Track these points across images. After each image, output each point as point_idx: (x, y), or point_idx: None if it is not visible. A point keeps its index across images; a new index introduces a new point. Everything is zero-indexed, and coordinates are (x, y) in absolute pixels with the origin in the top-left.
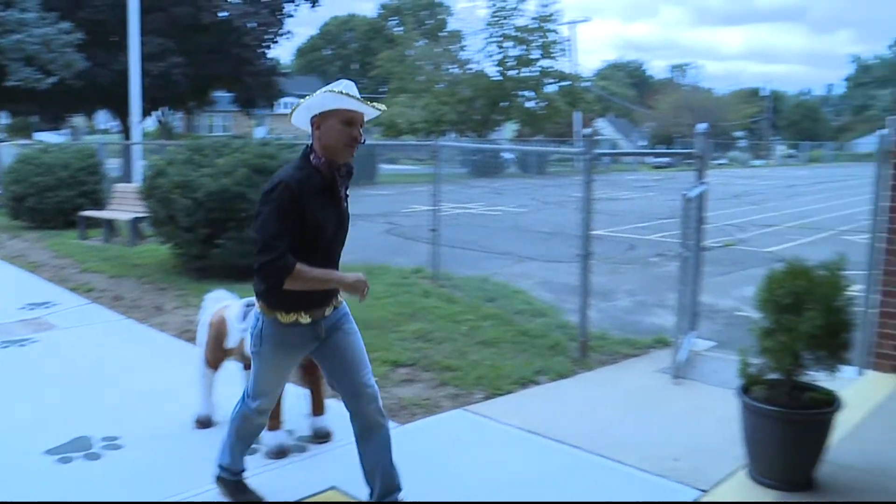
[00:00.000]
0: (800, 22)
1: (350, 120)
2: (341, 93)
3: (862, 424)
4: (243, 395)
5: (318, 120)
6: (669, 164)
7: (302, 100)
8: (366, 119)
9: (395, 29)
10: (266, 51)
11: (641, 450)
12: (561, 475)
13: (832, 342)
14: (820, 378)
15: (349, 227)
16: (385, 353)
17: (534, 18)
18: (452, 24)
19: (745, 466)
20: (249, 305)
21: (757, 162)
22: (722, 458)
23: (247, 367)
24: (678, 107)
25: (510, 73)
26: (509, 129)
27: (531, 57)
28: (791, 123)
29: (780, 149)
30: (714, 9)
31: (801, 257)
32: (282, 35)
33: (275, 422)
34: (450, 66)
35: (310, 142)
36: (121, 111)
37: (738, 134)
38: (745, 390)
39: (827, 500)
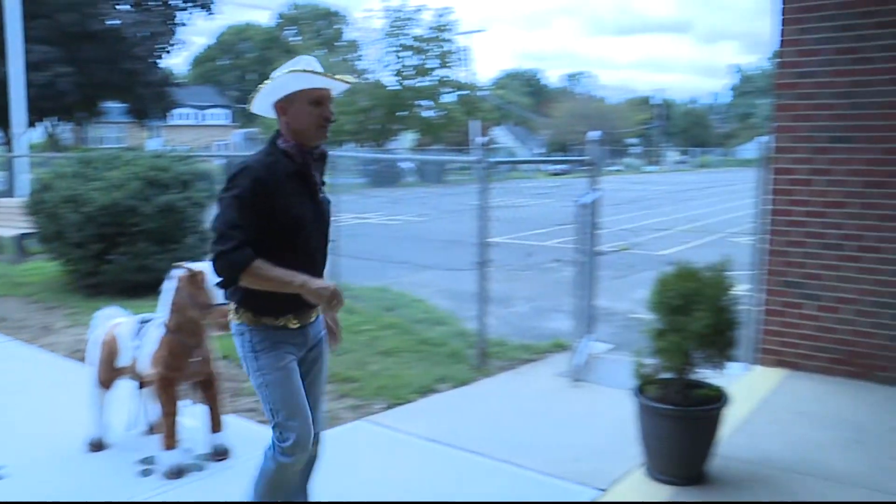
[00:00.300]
0: (687, 34)
1: (318, 99)
2: (304, 70)
3: (750, 417)
4: (268, 448)
5: (283, 104)
6: (566, 171)
7: (261, 85)
8: (334, 94)
9: (293, 38)
10: (158, 60)
11: (542, 453)
12: (463, 482)
13: (720, 340)
14: (710, 375)
15: (330, 221)
16: None
17: (431, 28)
18: (350, 34)
19: (642, 464)
20: (144, 322)
21: (650, 168)
22: (620, 458)
23: (142, 385)
24: (573, 115)
25: (408, 82)
26: (408, 138)
27: (428, 66)
28: (681, 130)
29: (672, 155)
30: (607, 20)
31: (690, 260)
32: (175, 44)
33: (171, 440)
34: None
35: (276, 128)
36: (3, 122)
37: (632, 141)
38: (640, 390)
39: (718, 491)
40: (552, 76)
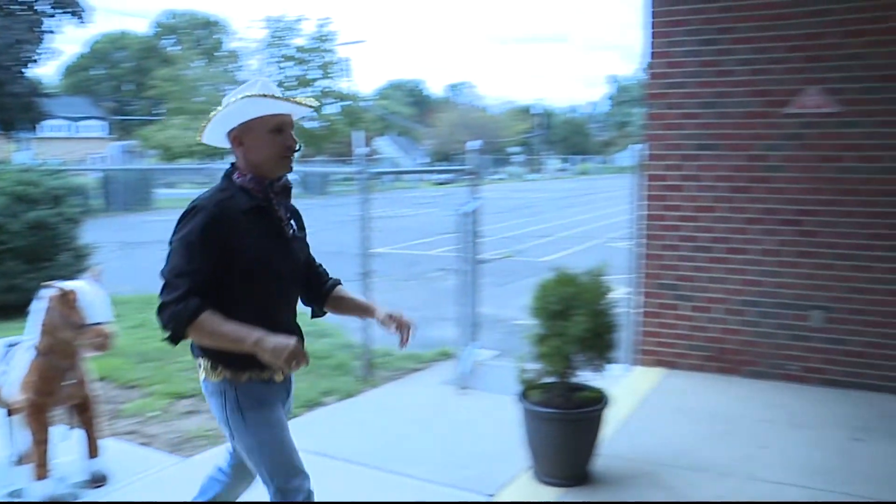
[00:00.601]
0: (566, 44)
1: (279, 126)
2: (262, 95)
3: (631, 416)
4: None
5: (239, 134)
6: (450, 181)
7: (211, 114)
8: (295, 119)
9: (171, 48)
10: (25, 69)
11: (430, 461)
12: (351, 494)
13: (599, 343)
14: (591, 377)
15: (303, 261)
16: (165, 386)
17: (313, 38)
18: (231, 44)
19: (529, 468)
20: (11, 345)
21: (532, 176)
22: (507, 462)
23: (10, 413)
24: (456, 125)
25: (290, 93)
26: None
27: (310, 77)
28: (561, 139)
29: (553, 163)
30: (489, 31)
31: (570, 266)
32: (44, 53)
33: (42, 470)
34: (230, 87)
35: (232, 161)
36: None
37: (514, 150)
38: (524, 395)
39: (601, 490)
40: (434, 87)
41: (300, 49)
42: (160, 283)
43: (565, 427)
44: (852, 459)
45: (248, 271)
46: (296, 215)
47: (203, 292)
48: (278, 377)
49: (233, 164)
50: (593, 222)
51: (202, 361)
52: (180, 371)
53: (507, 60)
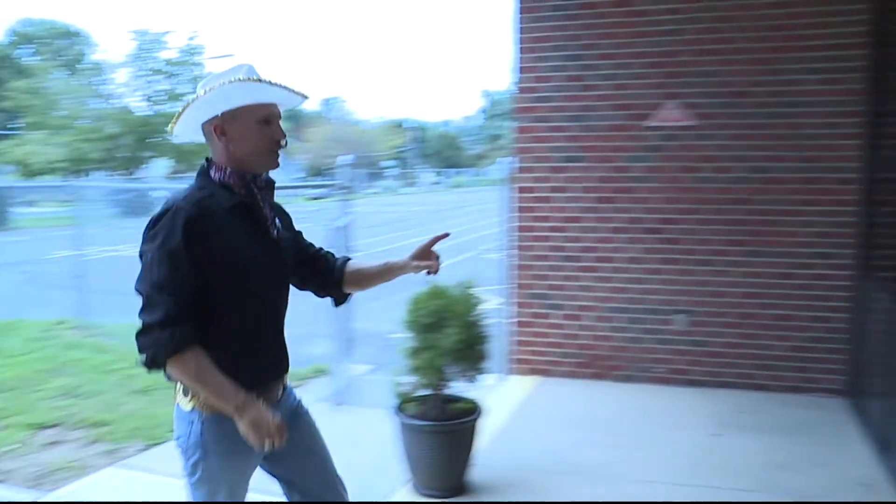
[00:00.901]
0: (441, 57)
1: (268, 116)
2: (250, 79)
3: (506, 425)
4: None
5: (222, 123)
6: (324, 195)
7: (189, 100)
8: (283, 109)
9: (28, 58)
10: None
11: None
12: None
13: (471, 354)
14: (466, 388)
15: (290, 264)
16: (25, 416)
17: (181, 52)
18: (94, 56)
19: (407, 481)
20: None
21: (406, 190)
22: (386, 477)
23: None
24: (330, 139)
25: (159, 107)
26: (161, 165)
27: (179, 92)
28: (435, 152)
29: (427, 176)
30: (364, 46)
31: (442, 278)
32: None
33: None
34: (94, 101)
35: (205, 157)
36: None
37: (388, 164)
38: (400, 409)
39: (479, 499)
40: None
41: (169, 62)
42: (137, 299)
43: (441, 439)
44: (712, 454)
45: (231, 278)
46: (280, 213)
47: (190, 313)
48: (275, 398)
49: (208, 159)
50: (467, 234)
51: (176, 383)
52: (43, 399)
53: (382, 76)
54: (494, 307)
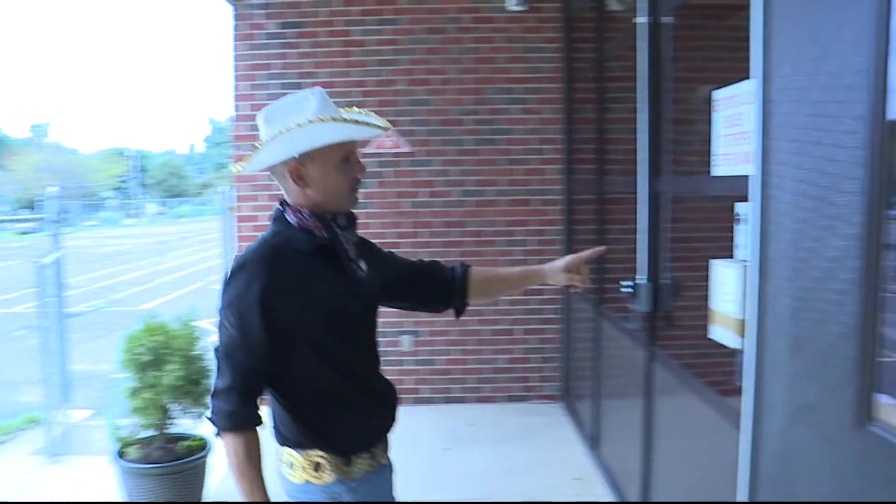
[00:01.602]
0: (161, 86)
1: (350, 154)
2: (334, 119)
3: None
4: None
5: (298, 166)
6: (35, 230)
7: (258, 144)
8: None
9: None
10: None
11: None
12: None
13: (195, 390)
14: (195, 425)
15: (375, 305)
16: None
17: None
18: None
19: None
20: None
21: (129, 221)
22: None
23: None
24: (41, 168)
25: None
26: None
27: None
28: (159, 181)
29: (151, 206)
30: (75, 71)
31: (164, 313)
32: None
33: None
34: None
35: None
36: None
37: (108, 194)
38: (121, 454)
39: None
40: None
41: None
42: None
43: (167, 481)
44: (446, 468)
45: (323, 325)
46: (364, 245)
47: (258, 383)
48: (384, 459)
49: (282, 202)
50: (194, 265)
51: (285, 452)
52: None
53: (102, 103)
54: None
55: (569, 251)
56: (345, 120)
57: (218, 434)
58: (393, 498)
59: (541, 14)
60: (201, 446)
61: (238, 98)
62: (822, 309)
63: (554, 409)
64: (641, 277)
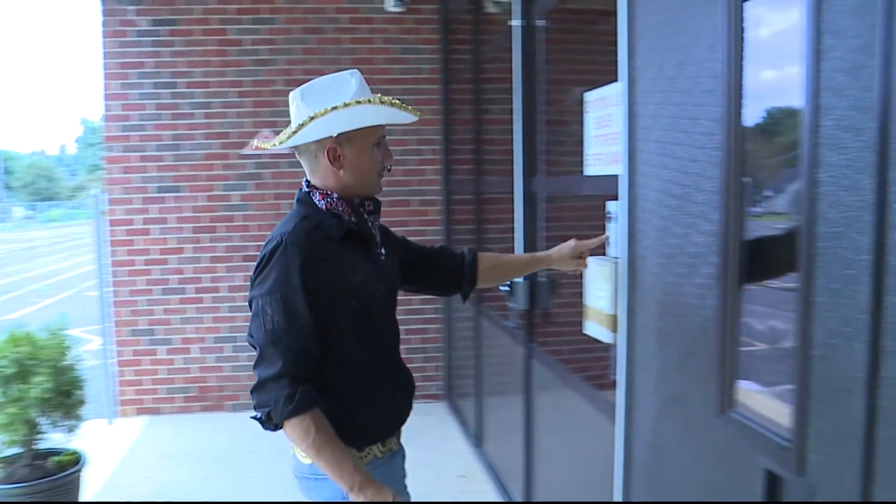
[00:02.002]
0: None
1: (381, 140)
2: (370, 101)
3: (117, 471)
4: None
5: (336, 146)
6: None
7: (303, 122)
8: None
9: None
10: None
11: None
12: None
13: (66, 402)
14: (66, 439)
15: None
16: None
17: None
18: None
19: None
20: None
21: None
22: None
23: None
24: None
25: None
26: None
27: None
28: (26, 184)
29: (18, 210)
30: None
31: (32, 322)
32: None
33: None
34: None
35: (304, 183)
36: None
37: None
38: None
39: None
40: None
41: None
42: (252, 346)
43: (39, 498)
44: None
45: (353, 310)
46: (383, 231)
47: (311, 366)
48: (379, 453)
49: (309, 183)
50: (67, 272)
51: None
52: None
53: None
54: (97, 348)
55: None
56: (383, 103)
57: (276, 427)
58: (403, 482)
59: (419, 16)
60: (74, 461)
61: (108, 97)
62: (686, 303)
63: (437, 408)
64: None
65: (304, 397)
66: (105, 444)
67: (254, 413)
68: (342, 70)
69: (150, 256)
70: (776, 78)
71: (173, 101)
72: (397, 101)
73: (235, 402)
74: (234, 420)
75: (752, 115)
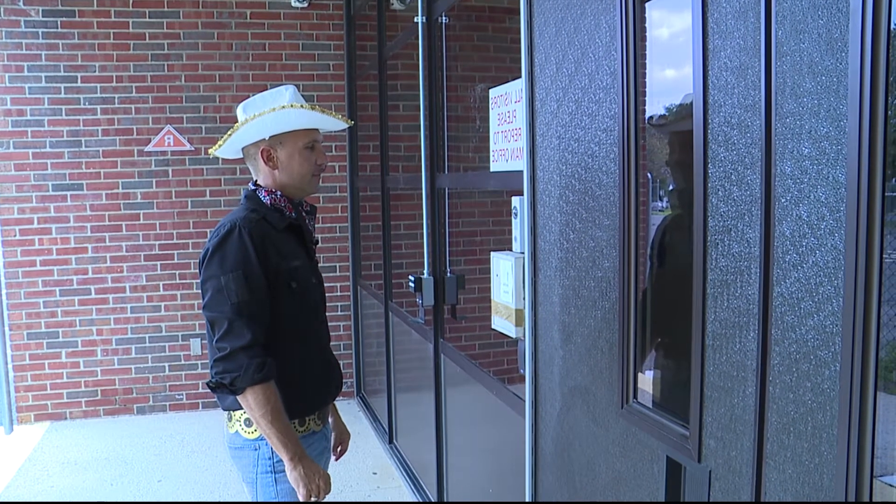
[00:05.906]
0: None
1: (315, 143)
2: (301, 106)
3: (14, 481)
4: None
5: (269, 147)
6: None
7: (235, 126)
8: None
9: None
10: None
11: None
12: None
13: None
14: None
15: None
16: None
17: None
18: None
19: None
20: None
21: None
22: None
23: None
24: None
25: None
26: None
27: None
28: None
29: None
30: None
31: None
32: None
33: None
34: None
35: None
36: None
37: None
38: None
39: None
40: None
41: None
42: (213, 321)
43: None
44: (231, 470)
45: (293, 292)
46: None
47: (267, 341)
48: (316, 426)
49: (254, 183)
50: None
51: (235, 414)
52: None
53: None
54: None
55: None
56: (313, 109)
57: (234, 392)
58: (327, 455)
59: (323, 11)
60: None
61: (2, 91)
62: (588, 297)
63: (348, 405)
64: (424, 272)
65: (271, 367)
66: (5, 453)
67: (209, 380)
68: (244, 67)
69: (50, 257)
70: (676, 77)
71: (72, 96)
72: (328, 110)
73: (145, 405)
74: (143, 423)
75: (654, 112)
